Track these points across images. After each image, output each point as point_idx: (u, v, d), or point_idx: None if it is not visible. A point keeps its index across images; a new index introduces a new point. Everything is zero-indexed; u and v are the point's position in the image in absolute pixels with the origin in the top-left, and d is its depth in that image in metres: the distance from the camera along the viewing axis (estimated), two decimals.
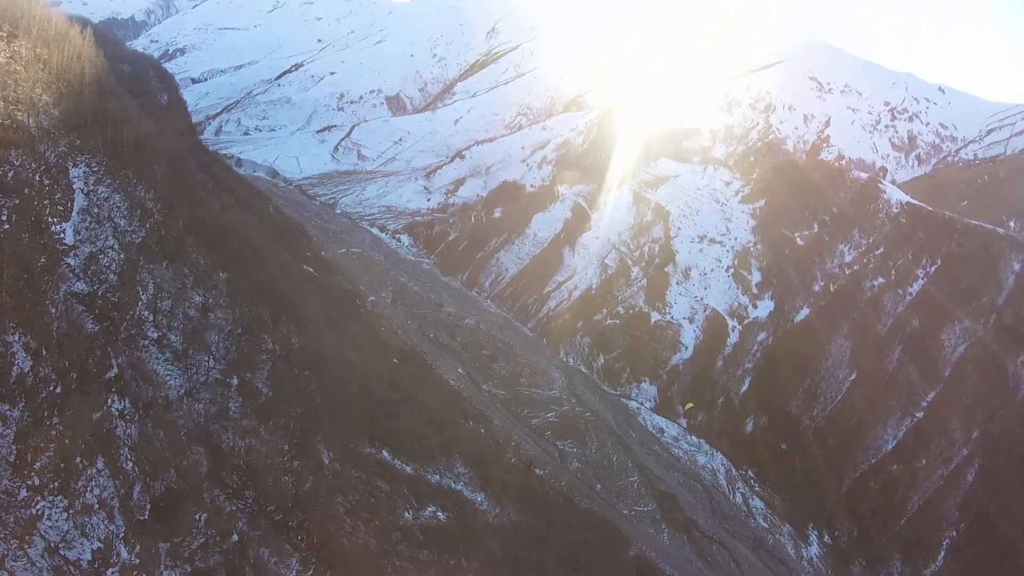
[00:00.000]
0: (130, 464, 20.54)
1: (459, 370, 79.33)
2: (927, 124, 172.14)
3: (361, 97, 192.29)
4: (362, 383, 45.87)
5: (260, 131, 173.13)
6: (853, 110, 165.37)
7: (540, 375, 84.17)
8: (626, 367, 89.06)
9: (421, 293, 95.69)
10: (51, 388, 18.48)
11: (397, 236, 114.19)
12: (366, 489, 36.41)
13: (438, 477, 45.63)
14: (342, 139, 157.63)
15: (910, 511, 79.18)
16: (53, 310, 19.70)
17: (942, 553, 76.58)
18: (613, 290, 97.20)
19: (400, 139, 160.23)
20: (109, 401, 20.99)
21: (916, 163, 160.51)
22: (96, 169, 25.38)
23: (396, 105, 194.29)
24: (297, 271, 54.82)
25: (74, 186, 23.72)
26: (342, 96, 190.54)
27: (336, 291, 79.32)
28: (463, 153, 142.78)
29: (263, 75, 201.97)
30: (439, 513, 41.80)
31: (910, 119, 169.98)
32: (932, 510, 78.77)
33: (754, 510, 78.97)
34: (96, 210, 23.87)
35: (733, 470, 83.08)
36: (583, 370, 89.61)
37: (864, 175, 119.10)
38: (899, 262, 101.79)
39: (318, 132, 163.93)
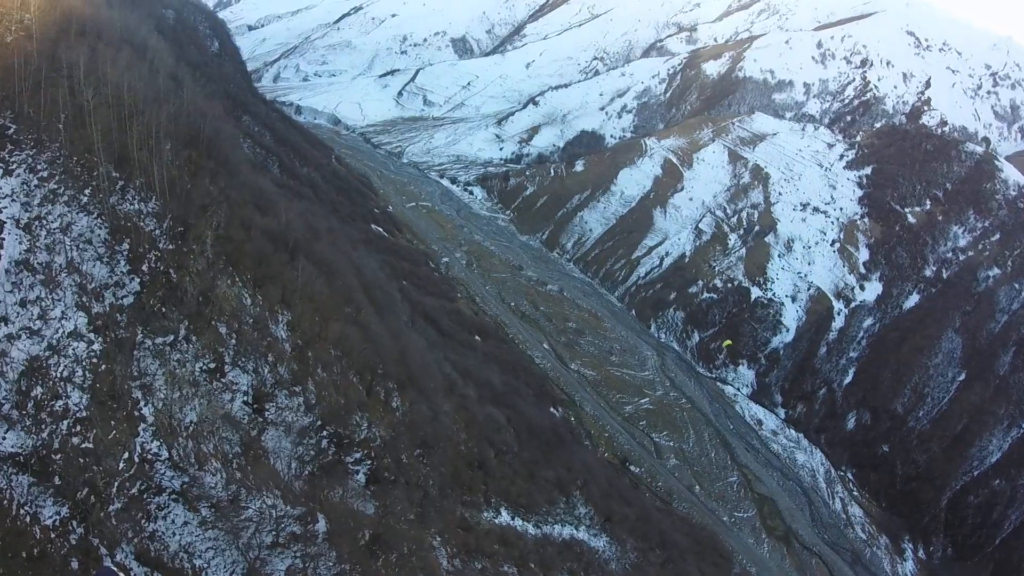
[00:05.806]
0: None
1: (544, 346, 66.34)
2: None
3: (425, 39, 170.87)
4: (466, 407, 32.50)
5: (320, 77, 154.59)
6: (953, 71, 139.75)
7: (631, 353, 70.50)
8: (722, 347, 74.22)
9: (498, 254, 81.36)
10: None
11: (469, 188, 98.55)
12: None
13: (560, 528, 33.22)
14: (406, 84, 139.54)
15: (1006, 530, 68.44)
16: None
17: None
18: (708, 259, 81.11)
19: (468, 83, 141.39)
20: None
21: (1019, 136, 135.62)
22: (46, 174, 11.53)
23: (462, 48, 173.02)
24: (388, 281, 39.55)
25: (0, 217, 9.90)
26: (405, 39, 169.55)
27: (408, 254, 65.65)
28: (536, 99, 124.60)
29: (321, 19, 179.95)
30: None
31: (1013, 87, 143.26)
32: None
33: (852, 518, 67.60)
34: (42, 258, 10.48)
35: (832, 471, 70.04)
36: (675, 348, 75.45)
37: (979, 149, 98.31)
38: (1015, 252, 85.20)
39: (381, 76, 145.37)
